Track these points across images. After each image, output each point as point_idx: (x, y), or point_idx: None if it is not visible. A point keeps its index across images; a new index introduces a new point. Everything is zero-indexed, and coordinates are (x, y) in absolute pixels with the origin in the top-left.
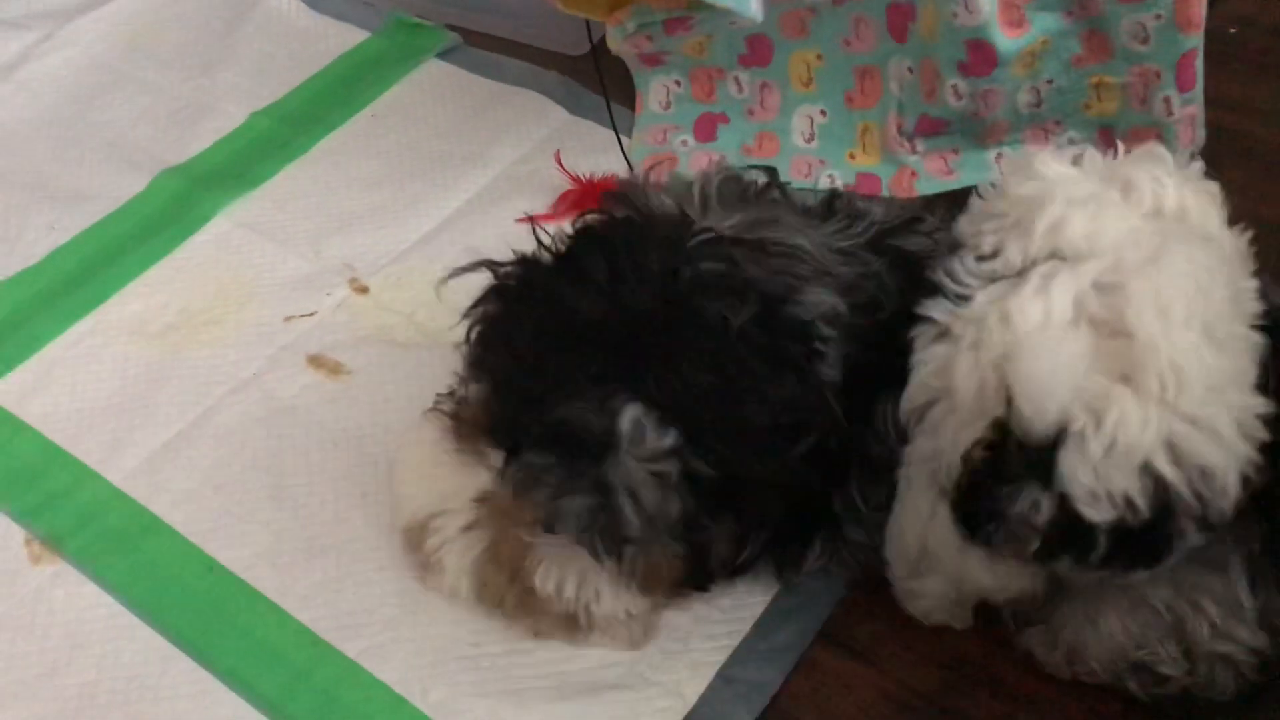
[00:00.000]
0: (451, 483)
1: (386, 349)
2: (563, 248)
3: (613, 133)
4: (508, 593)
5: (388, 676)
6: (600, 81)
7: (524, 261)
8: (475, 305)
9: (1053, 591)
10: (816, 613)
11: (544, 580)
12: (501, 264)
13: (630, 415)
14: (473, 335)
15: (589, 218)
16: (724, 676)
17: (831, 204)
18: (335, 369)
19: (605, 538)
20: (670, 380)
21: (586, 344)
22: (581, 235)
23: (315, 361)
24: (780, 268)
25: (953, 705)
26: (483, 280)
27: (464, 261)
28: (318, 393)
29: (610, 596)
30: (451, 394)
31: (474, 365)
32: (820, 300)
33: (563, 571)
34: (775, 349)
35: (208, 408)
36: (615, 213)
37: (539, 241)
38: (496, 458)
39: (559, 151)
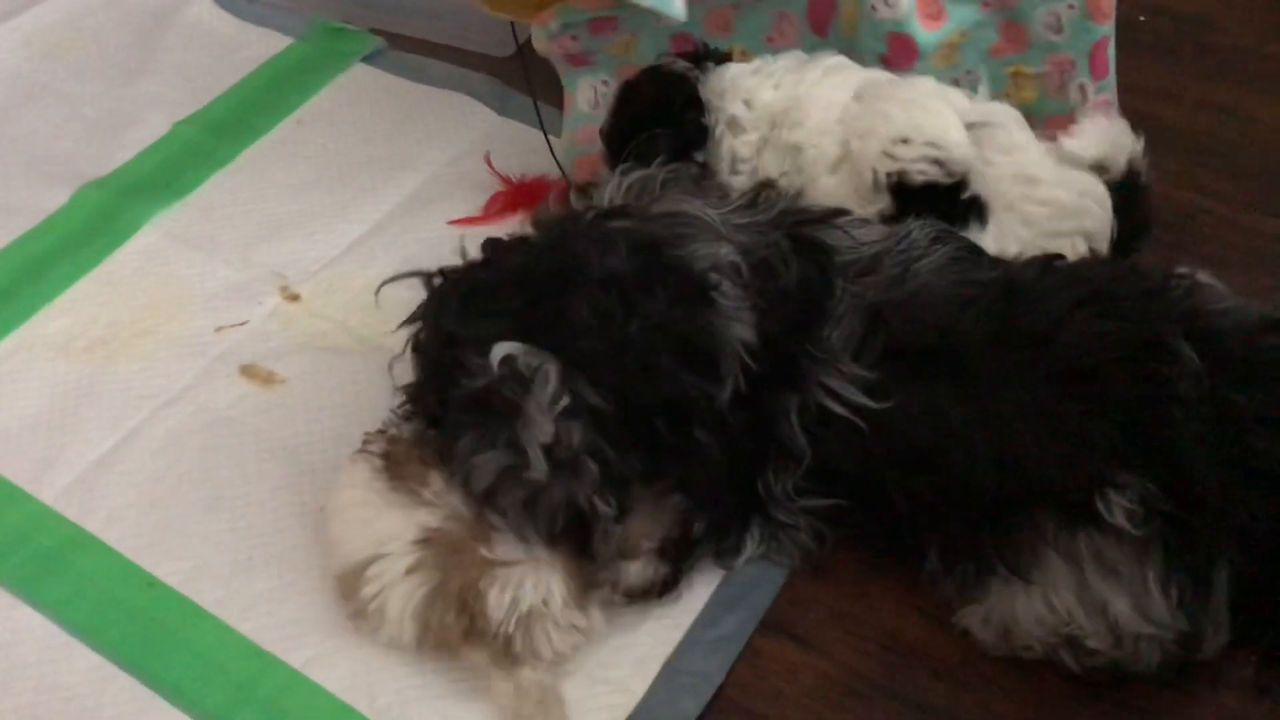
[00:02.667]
0: (388, 525)
1: (320, 356)
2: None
3: (542, 133)
4: (455, 629)
5: (333, 685)
6: (528, 82)
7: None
8: (412, 317)
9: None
10: (758, 601)
11: (499, 596)
12: (432, 273)
13: (501, 351)
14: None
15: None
16: (670, 669)
17: (756, 193)
18: (269, 378)
19: (535, 513)
20: (555, 323)
21: (494, 313)
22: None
23: (248, 371)
24: (662, 228)
25: (895, 687)
26: (416, 285)
27: (396, 267)
28: (252, 403)
29: (560, 599)
30: (382, 432)
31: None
32: (712, 252)
33: (519, 583)
34: (649, 279)
35: (140, 422)
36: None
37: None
38: (432, 493)
39: (489, 153)
